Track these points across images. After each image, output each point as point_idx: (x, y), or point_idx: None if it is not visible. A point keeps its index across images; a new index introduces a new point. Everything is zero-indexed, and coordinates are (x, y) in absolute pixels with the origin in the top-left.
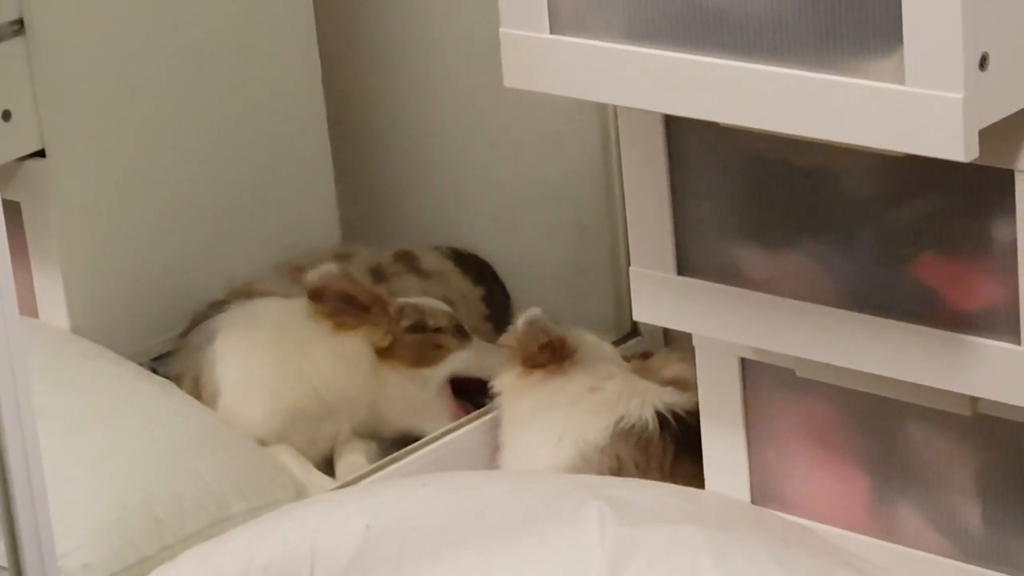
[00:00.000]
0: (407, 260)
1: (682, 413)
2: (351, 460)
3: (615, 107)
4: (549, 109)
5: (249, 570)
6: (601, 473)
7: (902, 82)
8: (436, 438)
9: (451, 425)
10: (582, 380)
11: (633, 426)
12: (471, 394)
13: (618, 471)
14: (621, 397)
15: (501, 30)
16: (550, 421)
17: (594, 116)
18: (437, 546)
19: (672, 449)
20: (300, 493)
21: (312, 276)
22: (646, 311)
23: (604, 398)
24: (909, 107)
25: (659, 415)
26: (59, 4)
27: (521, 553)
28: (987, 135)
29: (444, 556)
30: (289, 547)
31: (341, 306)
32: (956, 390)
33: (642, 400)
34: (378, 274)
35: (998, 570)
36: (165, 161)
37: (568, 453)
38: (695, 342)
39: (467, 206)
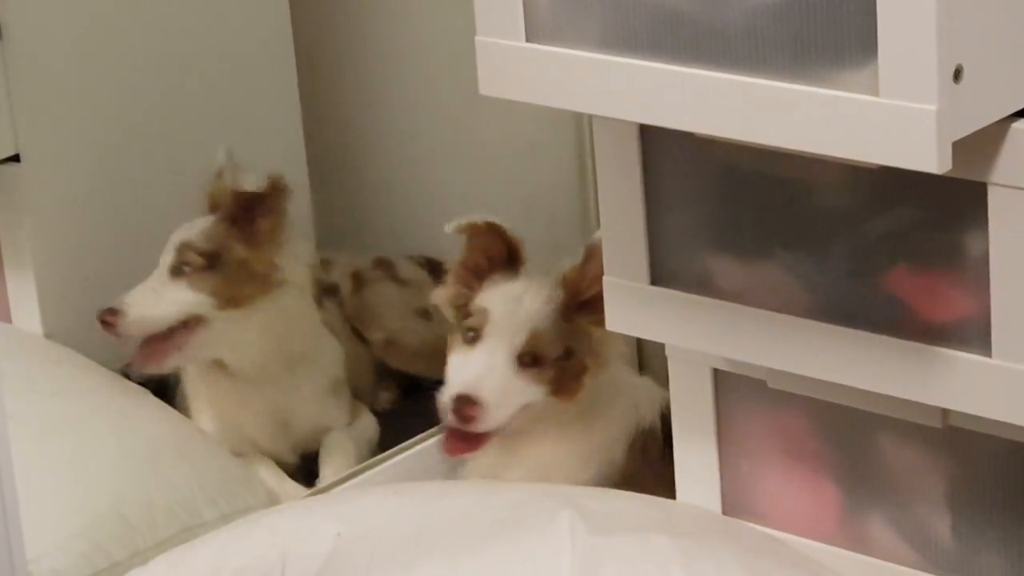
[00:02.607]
0: (385, 267)
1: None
2: (335, 463)
3: (590, 117)
4: (524, 120)
5: None
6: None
7: (876, 94)
8: (409, 446)
9: (424, 434)
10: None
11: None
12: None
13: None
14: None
15: (476, 38)
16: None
17: (570, 127)
18: (408, 553)
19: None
20: (272, 501)
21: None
22: (619, 321)
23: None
24: (883, 119)
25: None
26: (36, 10)
27: (492, 560)
28: (960, 147)
29: (415, 563)
30: (260, 553)
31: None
32: (927, 402)
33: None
34: (358, 279)
35: None
36: (139, 168)
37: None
38: (668, 352)
39: (441, 216)
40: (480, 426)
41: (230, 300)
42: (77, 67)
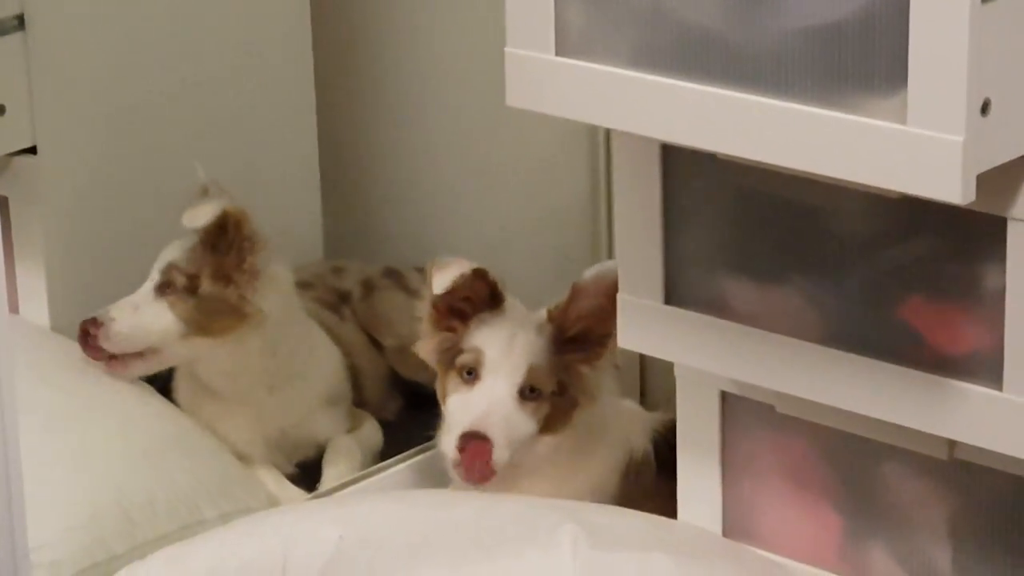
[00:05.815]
0: (395, 277)
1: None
2: (339, 467)
3: (607, 136)
4: (539, 135)
5: (219, 573)
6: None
7: (903, 122)
8: (411, 456)
9: (427, 444)
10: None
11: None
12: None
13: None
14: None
15: (506, 49)
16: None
17: (584, 145)
18: (409, 560)
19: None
20: (272, 503)
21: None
22: (631, 339)
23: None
24: (909, 147)
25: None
26: (60, 1)
27: (493, 571)
28: (982, 181)
29: (416, 570)
30: (261, 553)
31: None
32: (935, 433)
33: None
34: (368, 287)
35: None
36: (155, 166)
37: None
38: (676, 372)
39: (452, 229)
40: (490, 463)
41: (203, 329)
42: (98, 61)
